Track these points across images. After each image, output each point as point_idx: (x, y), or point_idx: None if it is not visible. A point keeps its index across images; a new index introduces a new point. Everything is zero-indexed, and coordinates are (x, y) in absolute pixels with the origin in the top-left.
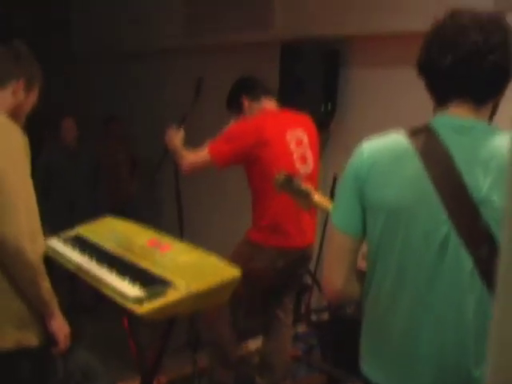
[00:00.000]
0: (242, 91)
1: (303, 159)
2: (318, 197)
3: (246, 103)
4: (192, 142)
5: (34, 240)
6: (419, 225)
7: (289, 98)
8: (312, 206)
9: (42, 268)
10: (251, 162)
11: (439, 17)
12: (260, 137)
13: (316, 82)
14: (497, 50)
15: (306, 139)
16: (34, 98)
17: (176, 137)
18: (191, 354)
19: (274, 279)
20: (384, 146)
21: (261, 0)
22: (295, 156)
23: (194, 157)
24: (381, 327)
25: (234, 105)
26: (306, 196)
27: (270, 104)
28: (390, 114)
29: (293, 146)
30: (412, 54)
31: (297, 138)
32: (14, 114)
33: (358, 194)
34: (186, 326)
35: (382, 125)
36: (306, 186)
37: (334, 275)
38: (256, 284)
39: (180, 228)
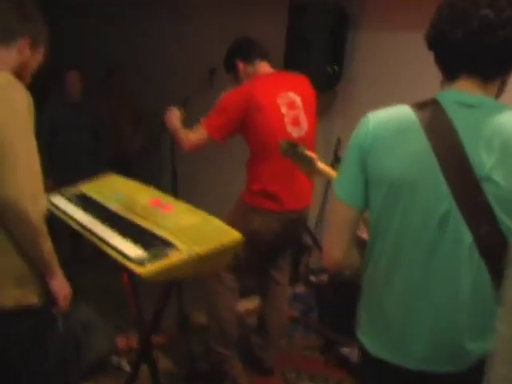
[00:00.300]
0: (236, 54)
1: (296, 122)
2: (321, 164)
3: (240, 66)
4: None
5: (36, 200)
6: (420, 199)
7: (295, 58)
8: (315, 173)
9: (43, 228)
10: (246, 130)
11: None
12: (250, 103)
13: (323, 42)
14: (508, 26)
15: (299, 101)
16: (39, 56)
17: (175, 117)
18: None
19: (270, 241)
20: (390, 119)
21: None
22: (287, 119)
23: (193, 136)
24: (377, 300)
25: (230, 67)
26: (309, 163)
27: (264, 67)
28: (398, 80)
29: (284, 109)
30: (425, 20)
31: (289, 101)
32: (19, 72)
33: (362, 166)
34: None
35: (388, 91)
36: (310, 153)
37: (334, 245)
38: (252, 245)
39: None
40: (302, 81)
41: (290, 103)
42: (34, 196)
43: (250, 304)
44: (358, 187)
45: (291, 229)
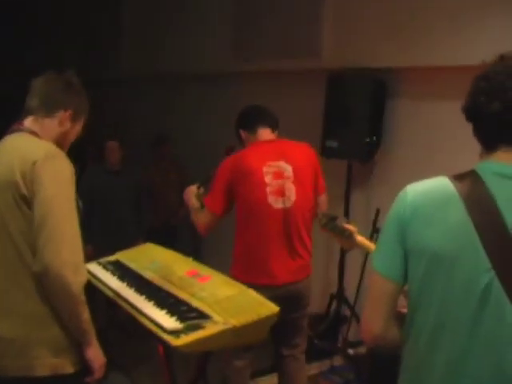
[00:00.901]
0: (240, 124)
1: (279, 192)
2: (360, 237)
3: (243, 136)
4: None
5: (77, 270)
6: (461, 273)
7: (333, 129)
8: (354, 247)
9: (83, 298)
10: (235, 198)
11: (489, 60)
12: (237, 169)
13: (362, 113)
14: None
15: (289, 171)
16: (79, 128)
17: (193, 196)
18: None
19: None
20: (428, 191)
21: (310, 28)
22: (269, 189)
23: (201, 216)
24: (418, 375)
25: (237, 137)
26: (348, 236)
27: (265, 134)
28: (437, 150)
29: (268, 178)
30: (461, 89)
31: (276, 170)
32: (58, 143)
33: (401, 239)
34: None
35: (427, 161)
36: (349, 226)
37: (373, 320)
38: None
39: None
40: (301, 150)
41: (277, 173)
42: (75, 266)
43: (269, 382)
44: (397, 260)
45: (289, 303)
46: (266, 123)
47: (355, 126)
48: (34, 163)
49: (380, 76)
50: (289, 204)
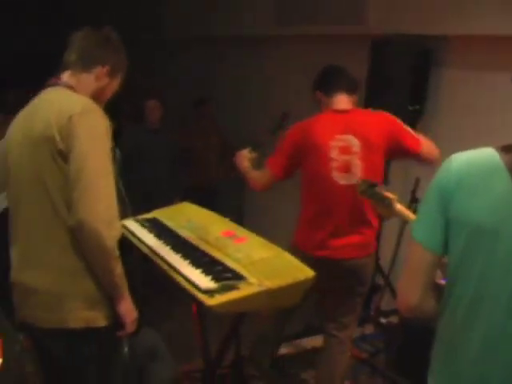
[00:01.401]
0: (317, 85)
1: (345, 168)
2: (399, 205)
3: (319, 97)
4: None
5: (111, 225)
6: (503, 245)
7: (376, 95)
8: (393, 215)
9: (116, 253)
10: (301, 168)
11: None
12: (305, 140)
13: (405, 80)
14: None
15: (356, 146)
16: (116, 84)
17: (244, 159)
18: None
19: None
20: (474, 162)
21: None
22: (334, 164)
23: (260, 175)
24: (453, 349)
25: (314, 93)
26: (387, 204)
27: (340, 102)
28: (481, 121)
29: (334, 153)
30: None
31: (343, 145)
32: (94, 98)
33: (443, 209)
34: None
35: (471, 132)
36: (389, 194)
37: (411, 290)
38: None
39: None
40: (374, 122)
41: (344, 147)
42: (109, 221)
43: (317, 342)
44: (438, 231)
45: (329, 277)
46: (343, 87)
47: (398, 94)
48: (70, 117)
49: (426, 43)
50: (353, 180)
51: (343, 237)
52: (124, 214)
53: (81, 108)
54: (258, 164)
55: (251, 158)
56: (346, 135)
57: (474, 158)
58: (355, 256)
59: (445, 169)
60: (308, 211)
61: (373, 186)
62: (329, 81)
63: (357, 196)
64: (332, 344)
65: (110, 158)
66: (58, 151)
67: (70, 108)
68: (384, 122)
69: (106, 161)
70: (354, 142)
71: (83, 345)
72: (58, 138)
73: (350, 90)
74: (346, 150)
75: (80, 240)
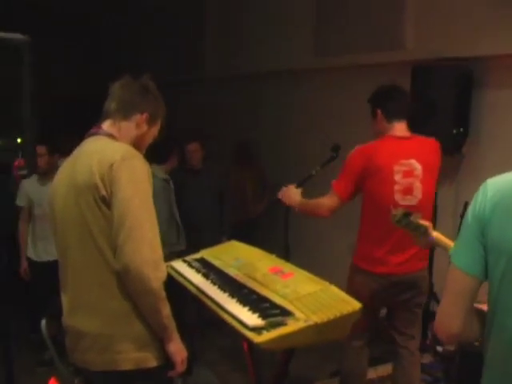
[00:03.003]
0: (381, 105)
1: (408, 191)
2: (436, 233)
3: (379, 117)
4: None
5: (156, 267)
6: None
7: (419, 121)
8: (430, 244)
9: (163, 294)
10: (363, 190)
11: None
12: (370, 163)
13: (448, 104)
14: None
15: (418, 170)
16: (155, 131)
17: (294, 194)
18: None
19: (369, 301)
20: (509, 185)
21: (392, 20)
22: (397, 187)
23: (326, 200)
24: (503, 374)
25: (371, 107)
26: (423, 232)
27: (400, 129)
28: None
29: (398, 176)
30: None
31: (407, 169)
32: (135, 145)
33: (480, 234)
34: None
35: None
36: (424, 222)
37: (452, 317)
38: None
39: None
40: (430, 147)
41: (407, 171)
42: (155, 263)
43: (383, 371)
44: (476, 255)
45: (392, 292)
46: (404, 116)
47: (441, 118)
48: (112, 165)
49: (465, 65)
50: (414, 202)
51: (403, 252)
52: (177, 240)
53: (121, 155)
54: (307, 195)
55: (298, 193)
56: (409, 160)
57: (510, 182)
58: (415, 269)
59: (480, 194)
60: (369, 230)
61: (407, 214)
62: (393, 107)
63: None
64: (404, 355)
65: (151, 202)
66: (101, 198)
67: (111, 156)
68: (438, 149)
69: (149, 204)
70: (416, 166)
71: None
72: (100, 185)
73: (408, 117)
74: (409, 174)
75: (127, 283)
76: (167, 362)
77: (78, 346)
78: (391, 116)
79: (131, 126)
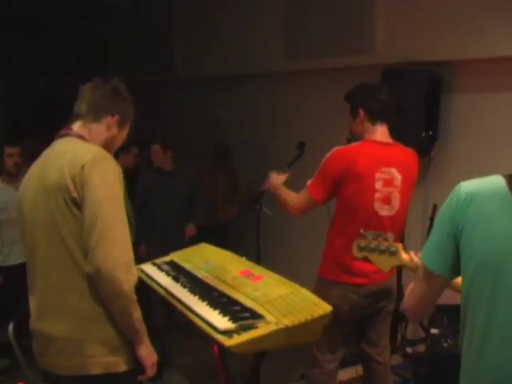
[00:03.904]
0: (364, 105)
1: (387, 200)
2: (406, 256)
3: (361, 117)
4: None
5: (128, 270)
6: (507, 278)
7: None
8: (397, 264)
9: (134, 297)
10: (339, 194)
11: None
12: (348, 170)
13: (417, 107)
14: None
15: (398, 180)
16: (125, 133)
17: (281, 178)
18: None
19: (349, 314)
20: (482, 191)
21: (362, 23)
22: (377, 195)
23: (298, 200)
24: (473, 371)
25: (352, 106)
26: (393, 252)
27: (381, 133)
28: (494, 142)
29: (379, 184)
30: None
31: (387, 177)
32: (105, 147)
33: (452, 236)
34: None
35: (485, 155)
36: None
37: (417, 309)
38: (334, 321)
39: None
40: (412, 160)
41: (387, 180)
42: (126, 266)
43: (351, 373)
44: (445, 255)
45: (372, 301)
46: (386, 119)
47: (411, 121)
48: (83, 166)
49: (434, 69)
50: (392, 212)
51: None
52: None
53: (93, 156)
54: (289, 185)
55: (283, 178)
56: (391, 168)
57: (483, 188)
58: (389, 276)
59: (454, 197)
60: (342, 238)
61: (379, 236)
62: (378, 109)
63: (393, 228)
64: (377, 370)
65: (123, 204)
66: (72, 199)
67: (82, 157)
68: (416, 160)
69: (120, 206)
70: (396, 176)
71: None
72: (71, 186)
73: (389, 120)
74: (389, 183)
75: (98, 286)
76: (137, 365)
77: (47, 350)
78: (375, 118)
79: (102, 128)
